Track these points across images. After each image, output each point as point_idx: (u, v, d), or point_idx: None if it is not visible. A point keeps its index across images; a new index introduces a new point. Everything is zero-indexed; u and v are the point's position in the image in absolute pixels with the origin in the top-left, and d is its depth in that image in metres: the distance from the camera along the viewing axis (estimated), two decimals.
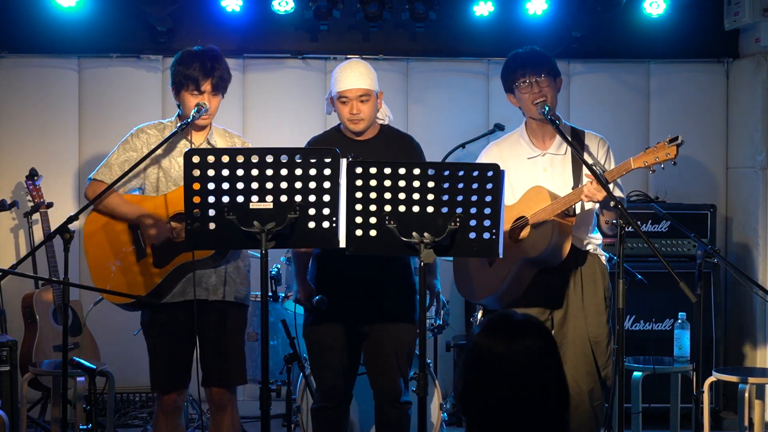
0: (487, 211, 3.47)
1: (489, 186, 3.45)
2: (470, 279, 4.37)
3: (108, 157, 4.22)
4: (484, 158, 4.34)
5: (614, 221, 3.74)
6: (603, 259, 4.30)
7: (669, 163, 3.79)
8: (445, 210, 3.47)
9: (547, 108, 4.09)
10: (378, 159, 3.85)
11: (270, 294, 5.29)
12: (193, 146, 4.14)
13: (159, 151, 4.11)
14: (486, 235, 3.48)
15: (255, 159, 3.48)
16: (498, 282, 4.16)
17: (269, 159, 3.48)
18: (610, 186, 3.96)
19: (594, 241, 4.27)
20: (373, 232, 3.50)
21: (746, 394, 5.05)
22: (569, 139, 4.07)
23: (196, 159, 3.50)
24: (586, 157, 4.11)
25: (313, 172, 3.48)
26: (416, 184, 3.47)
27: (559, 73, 4.26)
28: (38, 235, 5.93)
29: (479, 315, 5.45)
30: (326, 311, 4.19)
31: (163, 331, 4.14)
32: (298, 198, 3.49)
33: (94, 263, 4.18)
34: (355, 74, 4.17)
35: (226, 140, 4.25)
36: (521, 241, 4.13)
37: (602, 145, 4.25)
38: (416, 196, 3.47)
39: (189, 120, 4.06)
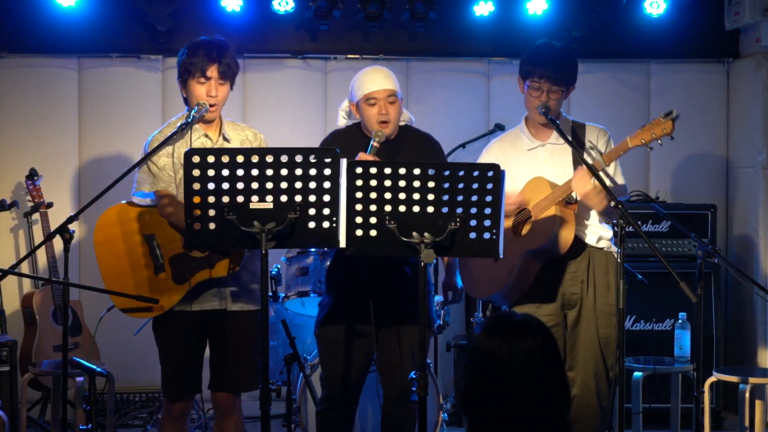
0: (488, 211, 3.47)
1: (489, 186, 3.45)
2: (476, 276, 4.36)
3: (137, 175, 4.05)
4: (485, 155, 4.34)
5: (614, 221, 3.73)
6: (616, 255, 4.26)
7: (667, 139, 3.79)
8: (445, 210, 3.47)
9: (548, 108, 4.08)
10: (394, 159, 3.81)
11: (270, 294, 5.29)
12: (201, 144, 4.09)
13: (177, 142, 4.04)
14: (486, 235, 3.48)
15: (255, 159, 3.47)
16: (504, 277, 4.15)
17: (269, 159, 3.47)
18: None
19: (605, 236, 4.22)
20: (373, 232, 3.50)
21: (747, 394, 5.04)
22: (569, 138, 4.06)
23: (196, 159, 3.49)
24: (586, 154, 4.10)
25: (313, 172, 3.47)
26: (416, 184, 3.47)
27: (575, 80, 4.20)
28: (38, 235, 5.93)
29: (486, 313, 5.46)
30: (341, 312, 4.16)
31: (175, 339, 4.10)
32: (298, 198, 3.48)
33: (107, 274, 4.07)
34: (381, 76, 4.18)
35: (238, 133, 4.19)
36: (524, 233, 4.13)
37: (603, 135, 4.24)
38: (416, 196, 3.47)
39: (188, 121, 4.00)
